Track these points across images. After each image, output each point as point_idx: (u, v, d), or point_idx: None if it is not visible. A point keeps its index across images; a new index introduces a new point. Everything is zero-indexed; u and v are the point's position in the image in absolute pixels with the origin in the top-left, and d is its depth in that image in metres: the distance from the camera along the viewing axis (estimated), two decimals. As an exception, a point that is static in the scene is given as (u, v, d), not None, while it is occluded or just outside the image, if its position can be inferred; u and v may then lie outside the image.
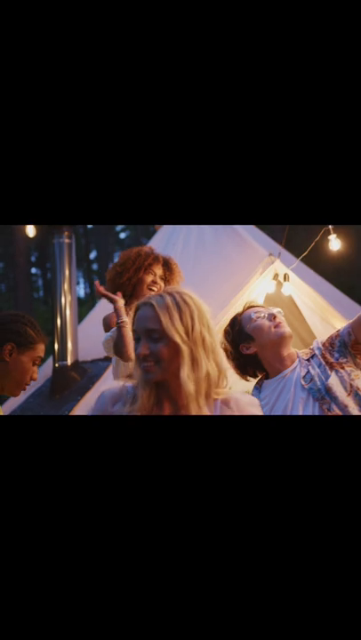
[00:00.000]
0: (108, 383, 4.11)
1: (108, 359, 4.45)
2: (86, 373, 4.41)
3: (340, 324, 3.47)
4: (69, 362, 4.45)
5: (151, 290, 2.53)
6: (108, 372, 4.32)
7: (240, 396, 1.48)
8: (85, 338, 4.70)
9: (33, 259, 16.91)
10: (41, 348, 1.95)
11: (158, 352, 1.42)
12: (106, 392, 1.52)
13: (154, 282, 2.55)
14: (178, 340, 1.40)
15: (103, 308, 5.22)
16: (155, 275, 2.56)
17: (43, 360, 2.03)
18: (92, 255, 18.83)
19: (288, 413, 2.06)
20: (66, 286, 4.52)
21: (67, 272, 4.53)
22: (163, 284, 2.57)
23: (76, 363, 4.48)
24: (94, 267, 18.95)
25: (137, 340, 1.47)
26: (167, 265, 2.62)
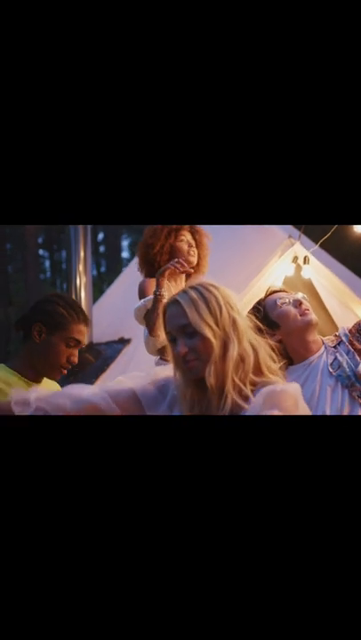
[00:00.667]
0: (123, 366, 4.11)
1: (122, 341, 4.44)
2: (100, 355, 4.41)
3: (359, 308, 3.45)
4: (84, 343, 4.46)
5: (190, 255, 2.52)
6: (123, 355, 4.31)
7: (274, 387, 1.38)
8: (99, 320, 4.69)
9: (40, 240, 16.87)
10: (76, 330, 1.88)
11: (196, 347, 1.39)
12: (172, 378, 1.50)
13: (190, 245, 2.55)
14: (208, 334, 1.38)
15: (115, 291, 5.21)
16: (186, 239, 2.55)
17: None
18: (100, 237, 18.76)
19: (315, 400, 2.05)
20: (81, 267, 4.52)
21: (82, 253, 4.53)
22: (196, 250, 2.57)
23: (90, 344, 4.48)
24: (101, 249, 18.89)
25: (173, 340, 1.44)
26: (194, 228, 2.62)
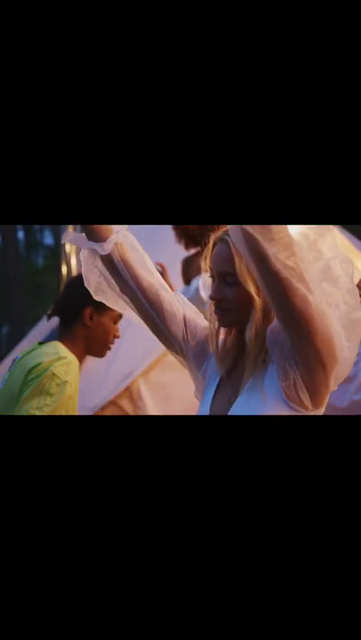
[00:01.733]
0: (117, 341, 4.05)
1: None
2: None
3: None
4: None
5: None
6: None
7: None
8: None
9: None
10: None
11: (233, 299, 1.30)
12: None
13: None
14: (252, 290, 1.27)
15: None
16: None
17: None
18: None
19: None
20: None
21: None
22: None
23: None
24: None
25: (212, 278, 1.35)
26: None
